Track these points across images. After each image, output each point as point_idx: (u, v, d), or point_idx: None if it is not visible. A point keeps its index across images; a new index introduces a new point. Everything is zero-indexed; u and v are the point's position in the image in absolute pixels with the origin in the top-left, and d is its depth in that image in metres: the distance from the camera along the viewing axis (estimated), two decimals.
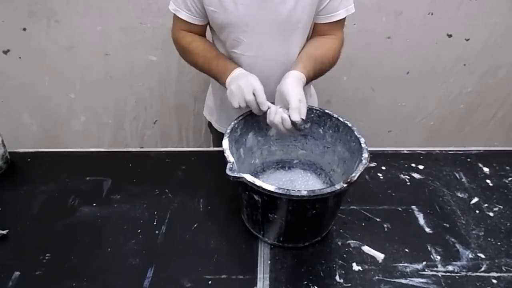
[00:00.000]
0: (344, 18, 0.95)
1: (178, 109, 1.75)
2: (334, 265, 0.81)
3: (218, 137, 1.19)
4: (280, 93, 0.85)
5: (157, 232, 0.88)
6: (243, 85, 0.84)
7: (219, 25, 0.93)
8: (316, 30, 0.98)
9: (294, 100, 0.80)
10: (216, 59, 0.95)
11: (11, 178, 1.02)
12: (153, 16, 1.46)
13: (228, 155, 0.77)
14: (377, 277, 0.79)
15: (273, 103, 0.88)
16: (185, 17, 0.95)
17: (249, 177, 0.71)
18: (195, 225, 0.90)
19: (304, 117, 0.81)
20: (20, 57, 1.55)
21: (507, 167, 1.09)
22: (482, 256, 0.84)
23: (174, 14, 0.97)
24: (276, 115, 0.82)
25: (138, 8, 1.44)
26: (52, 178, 1.02)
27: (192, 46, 0.97)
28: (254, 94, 0.84)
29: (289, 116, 0.80)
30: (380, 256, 0.83)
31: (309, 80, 0.91)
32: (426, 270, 0.80)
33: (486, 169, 1.09)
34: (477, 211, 0.95)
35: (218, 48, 1.00)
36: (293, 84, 0.83)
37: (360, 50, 1.57)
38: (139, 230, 0.88)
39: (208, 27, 1.00)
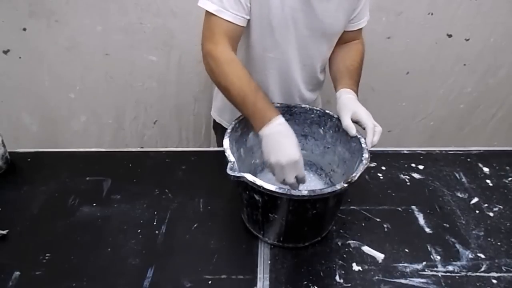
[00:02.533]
0: None
1: (178, 109, 1.75)
2: (334, 265, 0.81)
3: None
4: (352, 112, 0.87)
5: (157, 232, 0.88)
6: (285, 164, 0.77)
7: (263, 25, 0.90)
8: (342, 38, 1.03)
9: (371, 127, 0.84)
10: (254, 95, 0.81)
11: (11, 178, 1.02)
12: (153, 16, 1.46)
13: (229, 154, 0.77)
14: (377, 277, 0.79)
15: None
16: (232, 18, 0.84)
17: (249, 177, 0.71)
18: (195, 225, 0.90)
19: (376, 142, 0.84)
20: (20, 57, 1.55)
21: (507, 167, 1.09)
22: (482, 256, 0.84)
23: (213, 17, 0.84)
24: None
25: (138, 8, 1.43)
26: (52, 178, 1.02)
27: (229, 69, 0.83)
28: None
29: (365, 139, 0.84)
30: (380, 256, 0.83)
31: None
32: (426, 270, 0.80)
33: (486, 169, 1.09)
34: (477, 211, 0.95)
35: (243, 51, 0.98)
36: (366, 111, 0.87)
37: None
38: (139, 230, 0.88)
39: None
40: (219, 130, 1.25)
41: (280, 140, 0.78)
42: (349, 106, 0.88)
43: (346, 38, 1.04)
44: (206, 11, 0.85)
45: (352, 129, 0.85)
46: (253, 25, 0.91)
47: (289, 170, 0.77)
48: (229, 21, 0.84)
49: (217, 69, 0.84)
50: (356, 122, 0.87)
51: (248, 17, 0.87)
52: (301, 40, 0.95)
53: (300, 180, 0.81)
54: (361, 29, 1.05)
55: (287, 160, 0.76)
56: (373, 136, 0.83)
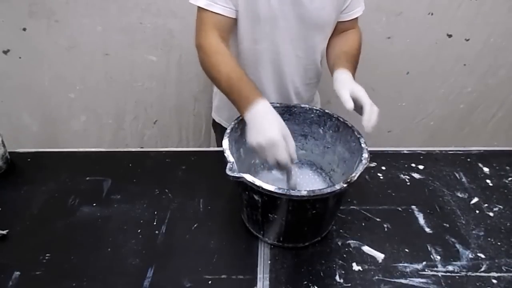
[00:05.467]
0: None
1: (178, 109, 1.75)
2: (334, 265, 0.81)
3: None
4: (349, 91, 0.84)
5: (157, 232, 0.88)
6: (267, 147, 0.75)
7: (250, 17, 0.90)
8: (337, 29, 1.03)
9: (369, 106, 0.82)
10: (239, 79, 0.82)
11: (11, 178, 1.02)
12: (153, 16, 1.46)
13: (228, 155, 0.77)
14: (377, 277, 0.79)
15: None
16: (221, 10, 0.87)
17: (249, 177, 0.71)
18: (195, 225, 0.90)
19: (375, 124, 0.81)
20: (20, 57, 1.55)
21: (507, 167, 1.09)
22: (482, 256, 0.84)
23: (203, 11, 0.88)
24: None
25: (138, 8, 1.44)
26: (52, 178, 1.02)
27: (218, 59, 0.85)
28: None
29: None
30: (380, 256, 0.83)
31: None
32: (426, 270, 0.80)
33: (486, 169, 1.09)
34: (477, 211, 0.95)
35: (234, 46, 0.97)
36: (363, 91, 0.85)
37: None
38: (139, 230, 0.88)
39: None
40: (218, 129, 1.25)
41: (261, 122, 0.77)
42: (347, 84, 0.85)
43: (341, 28, 1.03)
44: (198, 6, 0.89)
45: (350, 103, 0.81)
46: (241, 17, 0.91)
47: (269, 151, 0.75)
48: (218, 14, 0.87)
49: (207, 60, 0.87)
50: (353, 100, 0.83)
51: (236, 9, 0.89)
52: (291, 31, 0.94)
53: (292, 160, 0.78)
54: (356, 19, 1.03)
55: (266, 140, 0.74)
56: (371, 114, 0.80)
